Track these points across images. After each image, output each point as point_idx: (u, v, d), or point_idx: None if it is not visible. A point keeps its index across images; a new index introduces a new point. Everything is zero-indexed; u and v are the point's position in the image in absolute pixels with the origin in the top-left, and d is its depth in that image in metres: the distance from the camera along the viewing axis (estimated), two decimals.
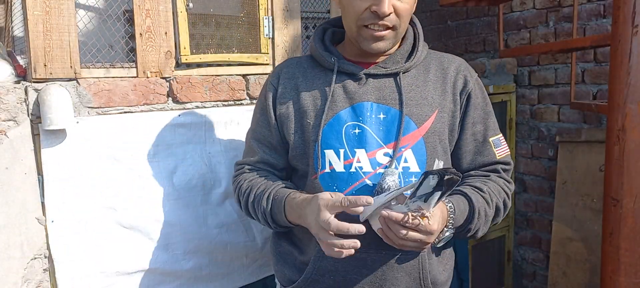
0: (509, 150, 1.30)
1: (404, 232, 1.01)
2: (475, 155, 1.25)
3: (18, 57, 1.62)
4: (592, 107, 2.18)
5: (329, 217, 1.04)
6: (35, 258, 1.45)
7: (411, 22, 1.27)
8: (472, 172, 1.26)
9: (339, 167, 1.17)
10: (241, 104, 1.79)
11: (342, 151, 1.17)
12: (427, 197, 0.99)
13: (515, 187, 2.89)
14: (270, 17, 1.84)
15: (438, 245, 1.16)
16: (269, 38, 1.85)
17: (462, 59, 1.30)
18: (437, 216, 1.04)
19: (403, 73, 1.21)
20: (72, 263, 1.48)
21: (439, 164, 1.19)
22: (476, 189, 1.20)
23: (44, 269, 1.48)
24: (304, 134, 1.22)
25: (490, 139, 1.25)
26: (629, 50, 1.62)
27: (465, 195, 1.17)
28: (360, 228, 1.02)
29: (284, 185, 1.25)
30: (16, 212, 1.41)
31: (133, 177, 1.56)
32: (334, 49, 1.26)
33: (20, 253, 1.43)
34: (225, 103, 1.75)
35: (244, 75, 1.80)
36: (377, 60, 1.23)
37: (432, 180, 0.96)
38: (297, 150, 1.23)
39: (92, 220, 1.51)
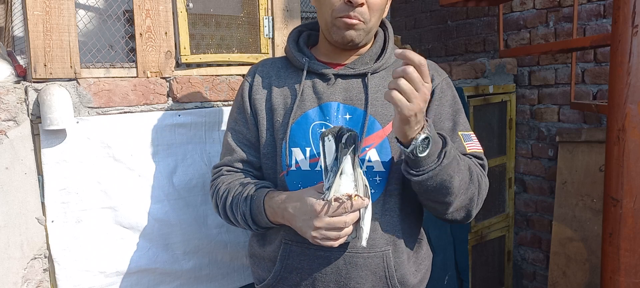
0: (481, 148, 1.26)
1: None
2: None
3: (18, 57, 1.62)
4: (592, 107, 2.18)
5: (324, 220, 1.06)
6: (35, 258, 1.45)
7: (383, 26, 1.31)
8: None
9: (305, 165, 1.19)
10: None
11: (308, 149, 1.19)
12: (336, 166, 1.00)
13: (515, 187, 2.89)
14: (270, 17, 1.84)
15: (418, 152, 1.04)
16: (269, 38, 1.85)
17: (431, 61, 1.31)
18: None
19: (371, 74, 1.24)
20: (72, 263, 1.48)
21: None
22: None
23: (44, 269, 1.48)
24: (274, 131, 1.25)
25: (460, 133, 1.23)
26: (629, 50, 1.62)
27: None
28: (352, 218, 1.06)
29: (261, 185, 1.24)
30: (16, 212, 1.41)
31: (133, 177, 1.56)
32: (306, 50, 1.30)
33: (20, 253, 1.43)
34: (225, 103, 1.75)
35: (244, 75, 1.80)
36: (347, 62, 1.26)
37: (328, 142, 0.99)
38: (268, 148, 1.26)
39: (92, 220, 1.51)
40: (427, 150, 1.04)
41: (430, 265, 1.35)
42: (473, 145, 1.25)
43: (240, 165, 1.31)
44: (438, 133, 1.11)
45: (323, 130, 1.09)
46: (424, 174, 1.07)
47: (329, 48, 1.28)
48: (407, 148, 1.04)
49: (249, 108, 1.29)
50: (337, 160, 1.01)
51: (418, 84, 0.95)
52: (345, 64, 1.26)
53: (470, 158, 1.21)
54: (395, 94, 0.96)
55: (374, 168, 1.18)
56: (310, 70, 1.25)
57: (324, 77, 1.25)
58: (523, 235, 2.91)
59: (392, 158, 1.20)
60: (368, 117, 1.19)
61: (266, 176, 1.30)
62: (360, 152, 1.17)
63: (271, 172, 1.27)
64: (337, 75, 1.24)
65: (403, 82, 0.95)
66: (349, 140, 1.00)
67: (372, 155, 1.19)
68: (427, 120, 1.05)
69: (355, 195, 1.02)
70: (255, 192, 1.21)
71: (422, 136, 1.02)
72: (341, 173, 1.01)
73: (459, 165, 1.11)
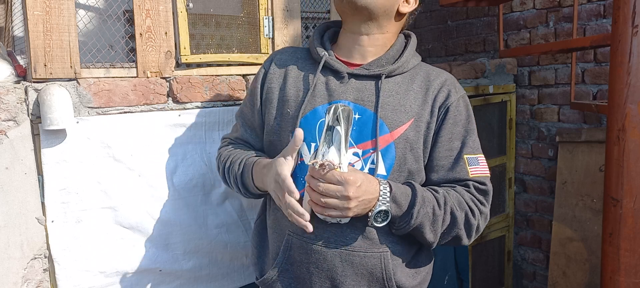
0: (488, 172, 1.25)
1: (320, 184, 1.05)
2: (447, 171, 1.22)
3: (18, 57, 1.62)
4: (592, 107, 2.18)
5: (284, 176, 1.12)
6: (35, 258, 1.45)
7: (406, 35, 1.32)
8: (441, 185, 1.23)
9: (308, 160, 1.19)
10: (241, 104, 1.79)
11: (313, 145, 1.20)
12: (328, 136, 1.06)
13: (515, 187, 2.88)
14: (270, 17, 1.84)
15: (374, 223, 1.12)
16: (269, 38, 1.85)
17: (451, 75, 1.29)
18: (357, 172, 1.08)
19: (386, 77, 1.23)
20: (72, 263, 1.48)
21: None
22: (430, 188, 1.19)
23: (44, 269, 1.48)
24: (283, 121, 1.25)
25: (465, 156, 1.22)
26: (629, 50, 1.62)
27: (409, 183, 1.17)
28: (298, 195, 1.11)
29: (257, 154, 1.30)
30: (16, 212, 1.41)
31: (133, 177, 1.56)
32: (328, 45, 1.30)
33: (20, 253, 1.43)
34: (225, 103, 1.75)
35: (244, 75, 1.80)
36: (363, 62, 1.26)
37: (328, 115, 1.05)
38: (274, 136, 1.27)
39: (92, 220, 1.51)
40: (384, 222, 1.12)
41: (431, 268, 1.33)
42: (477, 169, 1.22)
43: (241, 142, 1.38)
44: (406, 184, 1.17)
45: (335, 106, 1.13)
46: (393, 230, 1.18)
47: (348, 43, 1.27)
48: (368, 219, 1.13)
49: (258, 95, 1.32)
50: (329, 131, 1.06)
51: (337, 193, 1.04)
52: (361, 65, 1.25)
53: (468, 188, 1.21)
54: (330, 212, 1.07)
55: (376, 170, 1.18)
56: (326, 66, 1.25)
57: (338, 75, 1.24)
58: (523, 235, 2.91)
59: (396, 163, 1.19)
60: (378, 120, 1.18)
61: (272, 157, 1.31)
62: (367, 153, 1.18)
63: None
64: (351, 75, 1.24)
65: (330, 201, 1.05)
66: (342, 114, 1.05)
67: (375, 158, 1.18)
68: (389, 185, 1.12)
69: (338, 167, 1.05)
70: (248, 158, 1.28)
71: (377, 210, 1.10)
72: (330, 144, 1.06)
73: (434, 216, 1.15)
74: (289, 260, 1.24)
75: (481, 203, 1.22)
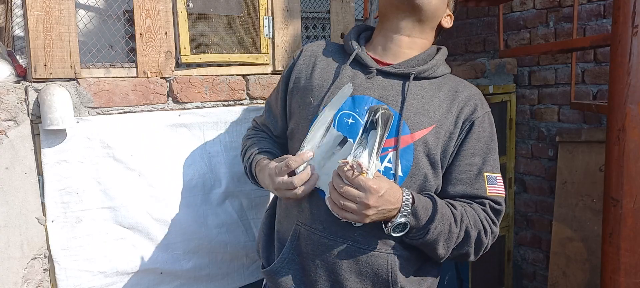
0: (504, 191, 1.24)
1: (343, 186, 1.04)
2: (465, 186, 1.20)
3: (18, 57, 1.62)
4: (592, 107, 2.18)
5: (279, 179, 1.16)
6: (35, 258, 1.45)
7: (438, 47, 1.32)
8: (457, 198, 1.21)
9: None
10: (241, 104, 1.79)
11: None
12: (366, 138, 1.04)
13: (515, 187, 2.89)
14: (270, 17, 1.84)
15: (392, 232, 1.11)
16: (269, 38, 1.85)
17: (479, 91, 1.28)
18: (382, 180, 1.06)
19: (414, 80, 1.22)
20: (72, 263, 1.48)
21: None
22: (448, 203, 1.17)
23: (44, 269, 1.48)
24: (304, 110, 1.25)
25: (485, 174, 1.21)
26: (629, 50, 1.62)
27: (431, 196, 1.15)
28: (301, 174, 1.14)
29: (263, 149, 1.34)
30: (16, 212, 1.41)
31: (133, 177, 1.56)
32: (362, 43, 1.31)
33: (20, 253, 1.43)
34: (225, 103, 1.75)
35: (244, 75, 1.80)
36: (393, 62, 1.25)
37: (367, 116, 1.04)
38: (294, 124, 1.28)
39: (93, 220, 1.51)
40: (402, 233, 1.11)
41: (438, 275, 1.31)
42: (495, 188, 1.22)
43: (263, 127, 1.45)
44: (427, 196, 1.15)
45: (374, 106, 1.10)
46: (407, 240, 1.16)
47: (384, 42, 1.27)
48: (385, 228, 1.11)
49: (284, 84, 1.34)
50: (366, 133, 1.05)
51: (356, 199, 1.03)
52: (390, 64, 1.25)
53: (484, 206, 1.20)
54: (346, 215, 1.06)
55: (391, 169, 1.16)
56: (356, 60, 1.25)
57: (366, 70, 1.24)
58: (523, 235, 2.91)
59: (413, 164, 1.17)
60: (402, 120, 1.16)
61: (291, 148, 1.31)
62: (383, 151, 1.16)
63: (296, 145, 1.26)
64: (379, 71, 1.23)
65: (349, 204, 1.04)
66: (381, 118, 1.03)
67: (393, 157, 1.17)
68: (412, 197, 1.10)
69: (365, 172, 1.03)
70: (255, 153, 1.33)
71: (397, 222, 1.08)
72: (365, 146, 1.05)
73: (450, 233, 1.13)
74: (296, 251, 1.22)
75: (493, 223, 1.21)
